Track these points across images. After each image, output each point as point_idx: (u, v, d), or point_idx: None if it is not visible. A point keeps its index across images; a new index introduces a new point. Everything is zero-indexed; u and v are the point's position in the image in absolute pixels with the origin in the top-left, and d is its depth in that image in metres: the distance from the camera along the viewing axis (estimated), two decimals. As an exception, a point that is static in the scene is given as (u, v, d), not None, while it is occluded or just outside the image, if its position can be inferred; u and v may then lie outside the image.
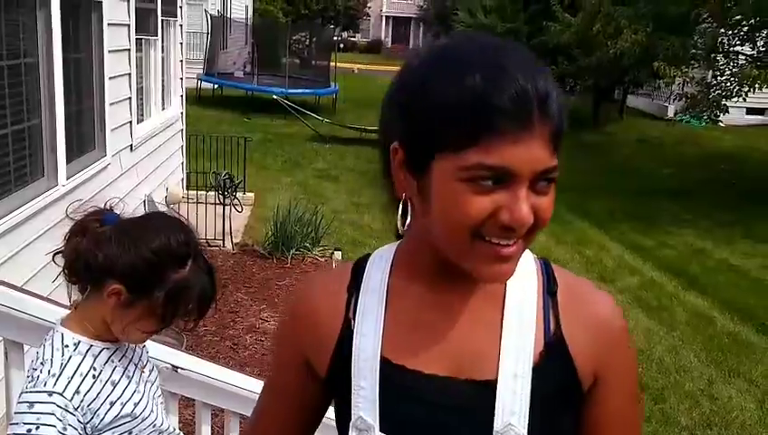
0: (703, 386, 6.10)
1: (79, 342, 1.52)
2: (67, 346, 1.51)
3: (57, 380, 1.46)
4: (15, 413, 1.43)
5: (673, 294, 8.30)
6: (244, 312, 6.61)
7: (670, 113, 20.89)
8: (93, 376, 1.51)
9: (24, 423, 1.40)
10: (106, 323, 1.55)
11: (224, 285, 7.25)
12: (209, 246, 8.36)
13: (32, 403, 1.42)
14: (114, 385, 1.55)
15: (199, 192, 8.77)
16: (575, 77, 17.65)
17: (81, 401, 1.47)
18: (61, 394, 1.44)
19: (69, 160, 3.97)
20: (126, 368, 1.62)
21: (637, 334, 7.09)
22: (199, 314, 1.59)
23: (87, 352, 1.53)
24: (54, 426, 1.41)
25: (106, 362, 1.56)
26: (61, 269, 1.52)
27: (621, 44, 12.40)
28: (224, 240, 8.43)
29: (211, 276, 1.60)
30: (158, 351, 2.27)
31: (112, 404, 1.53)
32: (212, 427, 2.56)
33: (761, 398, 5.98)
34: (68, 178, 3.93)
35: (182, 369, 2.29)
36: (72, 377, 1.48)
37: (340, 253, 8.49)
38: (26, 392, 1.44)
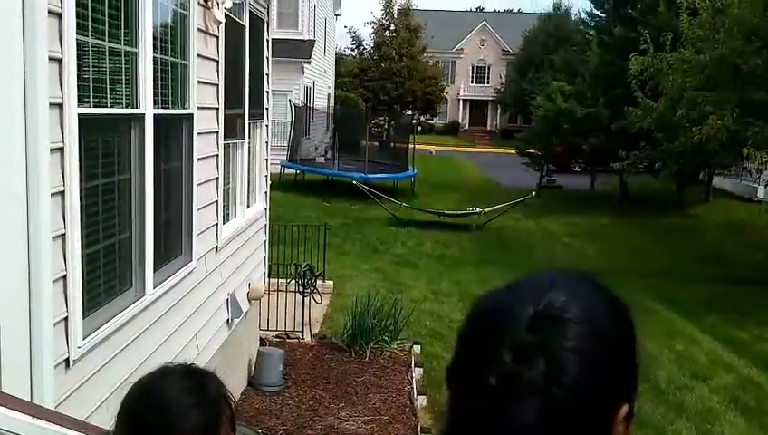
0: (811, 504, 5.65)
1: None
2: None
3: None
4: None
5: (773, 396, 7.81)
6: (323, 410, 6.54)
7: (760, 194, 20.18)
8: None
9: None
10: None
11: (301, 381, 7.24)
12: (288, 337, 8.41)
13: None
14: None
15: (280, 280, 8.89)
16: (658, 161, 17.34)
17: None
18: None
19: (156, 269, 4.06)
20: None
21: (735, 442, 6.68)
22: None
23: None
24: None
25: None
26: None
27: (707, 130, 12.15)
28: (302, 331, 8.47)
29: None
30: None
31: None
32: None
33: None
34: (155, 287, 4.02)
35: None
36: None
37: (419, 347, 8.38)
38: None
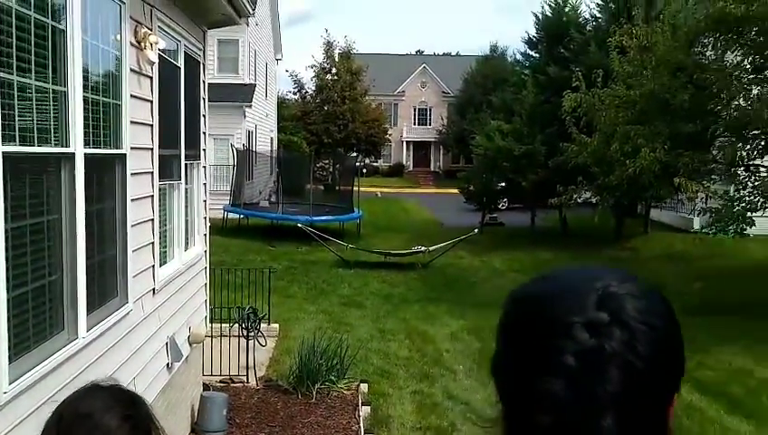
0: None
1: None
2: None
3: None
4: None
5: (715, 420, 7.94)
6: (268, 455, 6.41)
7: (696, 226, 20.74)
8: None
9: None
10: None
11: (246, 425, 7.08)
12: (233, 382, 8.25)
13: None
14: None
15: (223, 325, 8.74)
16: (595, 195, 17.75)
17: None
18: None
19: (89, 311, 3.95)
20: None
21: (680, 466, 6.75)
22: None
23: None
24: None
25: None
26: None
27: (640, 162, 12.51)
28: (247, 375, 8.32)
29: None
30: None
31: None
32: None
33: None
34: (88, 330, 3.91)
35: None
36: None
37: (366, 385, 8.31)
38: None
